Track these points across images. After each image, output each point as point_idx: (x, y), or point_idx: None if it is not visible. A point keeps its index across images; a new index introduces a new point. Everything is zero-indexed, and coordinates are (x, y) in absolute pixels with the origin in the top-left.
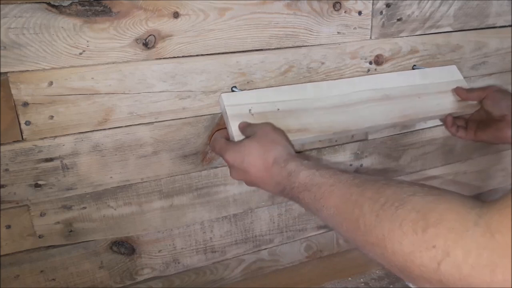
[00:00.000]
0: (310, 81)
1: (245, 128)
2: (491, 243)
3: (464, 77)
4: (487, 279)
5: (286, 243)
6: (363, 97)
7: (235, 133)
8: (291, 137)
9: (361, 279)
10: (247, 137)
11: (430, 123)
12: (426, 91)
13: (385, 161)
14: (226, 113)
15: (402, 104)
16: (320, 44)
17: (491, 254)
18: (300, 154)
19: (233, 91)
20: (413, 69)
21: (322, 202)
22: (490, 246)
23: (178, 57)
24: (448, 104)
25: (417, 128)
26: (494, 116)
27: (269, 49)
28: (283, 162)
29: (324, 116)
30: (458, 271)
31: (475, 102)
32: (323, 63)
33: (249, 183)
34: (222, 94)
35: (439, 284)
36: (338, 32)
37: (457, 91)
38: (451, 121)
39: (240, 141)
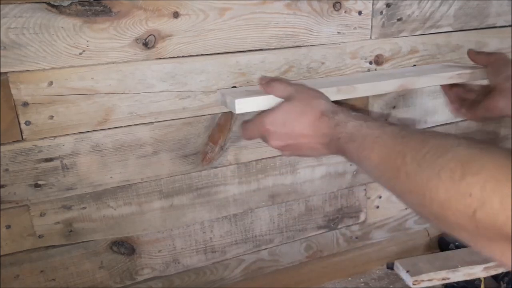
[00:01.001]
0: (311, 82)
1: (274, 89)
2: None
3: None
4: None
5: (286, 243)
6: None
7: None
8: None
9: (361, 279)
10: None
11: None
12: (426, 69)
13: None
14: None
15: (402, 74)
16: (320, 44)
17: None
18: (346, 105)
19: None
20: None
21: (365, 153)
22: None
23: (178, 57)
24: (449, 70)
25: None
26: (490, 84)
27: (269, 49)
28: (331, 113)
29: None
30: (494, 220)
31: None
32: (323, 63)
33: (292, 145)
34: (236, 100)
35: (475, 231)
36: (338, 32)
37: (468, 51)
38: (454, 97)
39: (277, 105)
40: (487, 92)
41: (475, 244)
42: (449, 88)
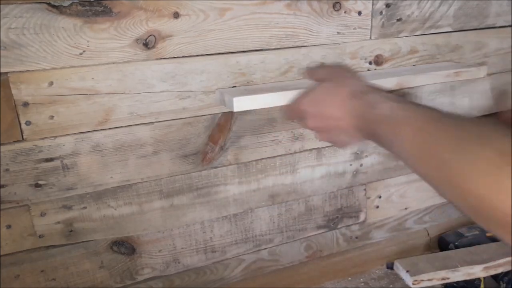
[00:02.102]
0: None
1: (312, 74)
2: None
3: None
4: None
5: (286, 243)
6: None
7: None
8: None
9: (361, 279)
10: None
11: None
12: (424, 69)
13: (385, 161)
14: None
15: (400, 73)
16: (320, 44)
17: None
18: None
19: None
20: None
21: (397, 137)
22: None
23: (178, 57)
24: (447, 69)
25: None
26: None
27: (269, 49)
28: (361, 94)
29: None
30: None
31: None
32: (323, 63)
33: (326, 127)
34: (234, 98)
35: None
36: (338, 32)
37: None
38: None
39: (311, 87)
40: None
41: None
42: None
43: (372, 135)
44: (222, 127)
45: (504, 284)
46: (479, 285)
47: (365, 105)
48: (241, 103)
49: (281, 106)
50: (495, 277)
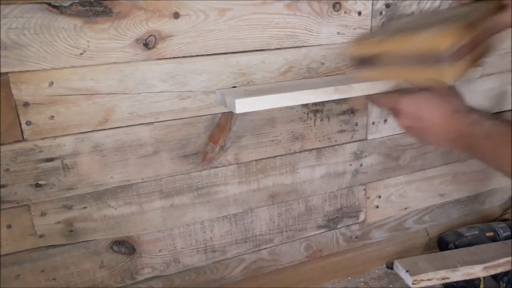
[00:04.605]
0: (310, 82)
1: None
2: None
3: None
4: None
5: (286, 242)
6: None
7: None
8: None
9: (361, 279)
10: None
11: None
12: None
13: (385, 161)
14: None
15: None
16: (320, 45)
17: None
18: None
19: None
20: None
21: (504, 150)
22: None
23: (178, 57)
24: None
25: None
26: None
27: (269, 49)
28: (465, 112)
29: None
30: None
31: None
32: (323, 64)
33: (417, 129)
34: (236, 100)
35: None
36: (338, 33)
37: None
38: None
39: (418, 91)
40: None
41: None
42: None
43: (470, 148)
44: (222, 127)
45: (504, 284)
46: (479, 285)
47: (469, 122)
48: (243, 105)
49: (374, 95)
50: (494, 277)
